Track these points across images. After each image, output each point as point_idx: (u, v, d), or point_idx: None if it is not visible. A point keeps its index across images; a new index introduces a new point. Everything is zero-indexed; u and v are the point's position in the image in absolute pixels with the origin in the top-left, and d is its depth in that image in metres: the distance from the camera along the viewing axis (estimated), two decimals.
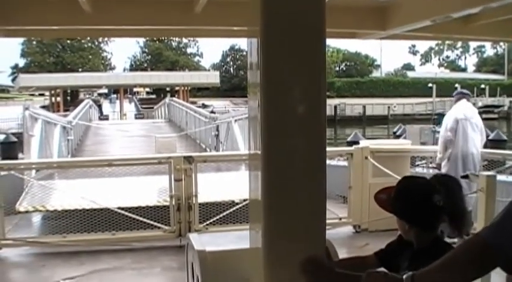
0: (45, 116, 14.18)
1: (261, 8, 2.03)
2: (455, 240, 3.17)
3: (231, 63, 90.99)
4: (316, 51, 2.09)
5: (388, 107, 67.60)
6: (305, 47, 2.07)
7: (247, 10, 2.23)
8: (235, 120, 15.08)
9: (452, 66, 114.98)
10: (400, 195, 2.70)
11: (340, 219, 8.54)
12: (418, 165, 10.69)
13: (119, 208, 8.05)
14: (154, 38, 78.33)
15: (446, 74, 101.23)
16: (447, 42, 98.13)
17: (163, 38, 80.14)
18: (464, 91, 8.72)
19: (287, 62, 2.06)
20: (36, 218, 9.17)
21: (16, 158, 13.59)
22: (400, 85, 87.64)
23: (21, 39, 75.30)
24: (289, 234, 2.10)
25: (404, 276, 1.96)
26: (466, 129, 7.93)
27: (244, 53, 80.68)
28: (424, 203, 2.59)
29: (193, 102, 49.41)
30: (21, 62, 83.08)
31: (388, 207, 2.71)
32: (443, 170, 7.81)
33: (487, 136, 9.75)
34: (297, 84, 2.07)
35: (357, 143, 9.92)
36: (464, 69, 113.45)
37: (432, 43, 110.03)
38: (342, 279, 2.22)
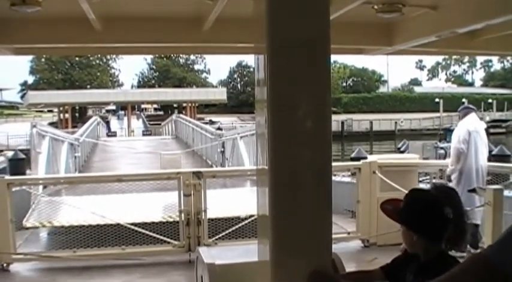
0: (52, 133, 14.28)
1: (266, 25, 2.09)
2: (464, 254, 3.19)
3: (238, 79, 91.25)
4: (321, 68, 2.14)
5: (395, 123, 67.47)
6: (310, 63, 2.12)
7: (253, 27, 2.29)
8: (241, 137, 15.14)
9: (460, 80, 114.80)
10: (411, 206, 2.72)
11: (349, 233, 8.55)
12: (422, 180, 10.67)
13: (128, 223, 8.10)
14: (162, 55, 78.71)
15: (453, 88, 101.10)
16: (454, 56, 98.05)
17: (171, 55, 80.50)
18: (470, 106, 8.76)
19: (293, 79, 2.11)
20: (46, 234, 9.23)
21: (24, 174, 13.66)
22: (407, 100, 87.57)
23: (30, 57, 75.80)
24: (296, 247, 2.14)
25: None
26: (477, 142, 7.95)
27: (251, 70, 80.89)
28: (435, 214, 2.61)
29: (200, 119, 49.61)
30: (30, 79, 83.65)
31: (396, 217, 2.73)
32: (454, 183, 7.80)
33: (490, 151, 9.75)
34: (303, 100, 2.12)
35: (360, 159, 9.96)
36: (471, 84, 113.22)
37: (439, 58, 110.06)
38: None
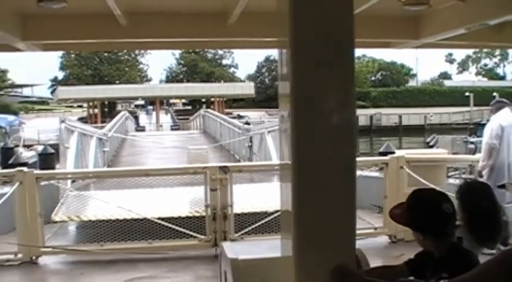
0: (81, 128, 14.43)
1: (290, 18, 2.07)
2: (494, 251, 3.14)
3: (266, 74, 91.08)
4: (345, 61, 2.12)
5: (425, 117, 66.73)
6: (334, 57, 2.09)
7: (277, 21, 2.27)
8: (268, 132, 15.11)
9: (490, 74, 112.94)
10: (410, 208, 2.81)
11: (376, 229, 8.49)
12: (451, 176, 10.52)
13: (155, 218, 8.15)
14: (190, 50, 78.96)
15: (484, 82, 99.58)
16: (485, 49, 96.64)
17: (198, 50, 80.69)
18: (504, 100, 8.56)
19: (316, 73, 2.09)
20: (74, 227, 9.34)
21: (54, 169, 13.82)
22: (436, 94, 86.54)
23: (60, 53, 76.74)
24: (319, 243, 2.13)
25: None
26: (510, 137, 7.78)
27: None
28: (432, 212, 2.68)
29: (228, 113, 49.62)
30: (60, 75, 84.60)
31: (402, 221, 2.78)
32: (485, 179, 7.66)
33: None
34: (326, 95, 2.10)
35: (388, 154, 9.85)
36: (502, 78, 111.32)
37: (469, 51, 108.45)
38: None
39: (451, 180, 9.68)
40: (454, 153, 18.03)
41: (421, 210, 2.74)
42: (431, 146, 19.64)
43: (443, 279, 2.39)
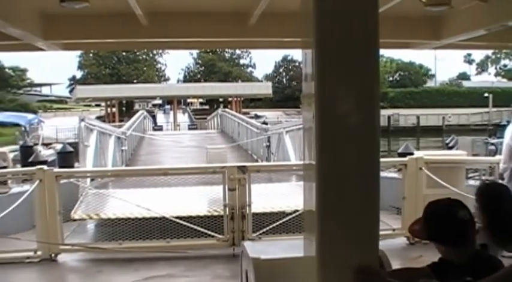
0: (100, 126, 14.51)
1: (314, 19, 2.07)
2: None
3: (284, 73, 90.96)
4: (369, 62, 2.11)
5: (443, 118, 66.26)
6: (359, 57, 2.09)
7: (301, 21, 2.27)
8: (287, 132, 15.09)
9: (510, 75, 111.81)
10: (427, 221, 2.77)
11: (394, 230, 8.43)
12: (470, 177, 10.43)
13: (173, 217, 8.18)
14: (208, 50, 79.10)
15: (503, 83, 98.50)
16: (504, 50, 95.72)
17: (216, 50, 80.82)
18: None
19: (341, 73, 2.09)
20: (93, 225, 9.40)
21: (72, 167, 13.91)
22: (455, 95, 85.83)
23: (78, 52, 77.20)
24: (343, 243, 2.13)
25: None
26: None
27: (297, 64, 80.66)
28: (449, 221, 2.65)
29: (246, 113, 49.64)
30: (78, 74, 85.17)
31: (422, 236, 2.76)
32: (506, 181, 7.57)
33: None
34: (351, 95, 2.10)
35: (407, 154, 9.80)
36: None
37: (489, 52, 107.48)
38: None
39: (471, 182, 9.60)
40: (474, 155, 17.86)
41: (438, 221, 2.70)
42: (451, 147, 19.45)
43: None
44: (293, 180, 10.01)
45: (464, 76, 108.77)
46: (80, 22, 6.24)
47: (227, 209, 8.00)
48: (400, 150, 12.42)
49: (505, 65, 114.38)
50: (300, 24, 2.29)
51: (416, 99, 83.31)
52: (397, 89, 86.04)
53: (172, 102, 65.52)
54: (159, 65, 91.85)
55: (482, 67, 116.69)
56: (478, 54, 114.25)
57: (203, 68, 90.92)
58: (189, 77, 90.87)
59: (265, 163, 15.89)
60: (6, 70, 77.90)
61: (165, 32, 6.44)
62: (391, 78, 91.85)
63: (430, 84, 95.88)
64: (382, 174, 10.05)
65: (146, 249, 7.89)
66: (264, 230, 8.12)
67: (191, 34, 6.51)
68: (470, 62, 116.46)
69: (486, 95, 70.52)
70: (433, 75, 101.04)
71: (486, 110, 67.21)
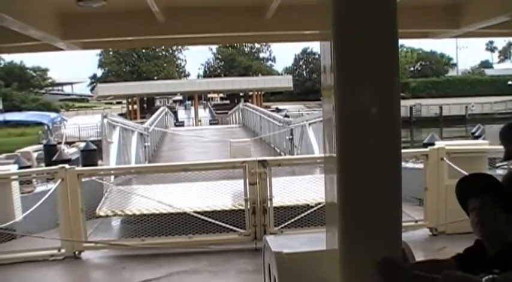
0: (122, 123, 14.57)
1: (332, 11, 2.04)
2: None
3: (304, 66, 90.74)
4: (388, 53, 2.09)
5: (466, 107, 65.55)
6: (378, 48, 2.06)
7: (319, 14, 2.25)
8: (309, 124, 15.02)
9: None
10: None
11: (416, 221, 8.37)
12: (498, 166, 10.29)
13: (195, 212, 8.20)
14: (227, 45, 79.16)
15: None
16: None
17: (235, 44, 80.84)
18: None
19: (360, 64, 2.06)
20: (115, 222, 9.47)
21: (96, 165, 14.03)
22: (477, 84, 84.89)
23: (98, 51, 77.70)
24: (366, 235, 2.11)
25: (484, 279, 1.92)
26: None
27: (317, 56, 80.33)
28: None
29: (266, 107, 49.62)
30: (99, 72, 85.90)
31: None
32: None
33: None
34: (370, 86, 2.08)
35: (434, 144, 9.69)
36: None
37: (511, 39, 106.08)
38: (419, 280, 2.20)
39: (499, 171, 9.48)
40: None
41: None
42: (477, 137, 19.22)
43: (493, 274, 2.29)
44: (317, 172, 9.95)
45: (486, 64, 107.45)
46: (97, 21, 6.27)
47: (248, 203, 8.00)
48: (425, 141, 12.30)
49: None
50: (318, 16, 2.27)
51: (439, 89, 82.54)
52: (418, 79, 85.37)
53: (193, 97, 65.63)
54: (179, 61, 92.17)
55: (505, 54, 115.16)
56: (501, 42, 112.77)
57: (223, 62, 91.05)
58: (209, 72, 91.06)
59: (286, 157, 15.85)
60: (28, 71, 78.78)
61: (182, 28, 6.44)
62: (412, 68, 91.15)
63: (452, 73, 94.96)
64: (404, 165, 9.97)
65: (169, 245, 7.93)
66: (286, 223, 8.11)
67: (208, 29, 6.50)
68: (492, 49, 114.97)
69: (510, 83, 69.66)
70: (455, 64, 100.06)
71: (510, 98, 66.36)
